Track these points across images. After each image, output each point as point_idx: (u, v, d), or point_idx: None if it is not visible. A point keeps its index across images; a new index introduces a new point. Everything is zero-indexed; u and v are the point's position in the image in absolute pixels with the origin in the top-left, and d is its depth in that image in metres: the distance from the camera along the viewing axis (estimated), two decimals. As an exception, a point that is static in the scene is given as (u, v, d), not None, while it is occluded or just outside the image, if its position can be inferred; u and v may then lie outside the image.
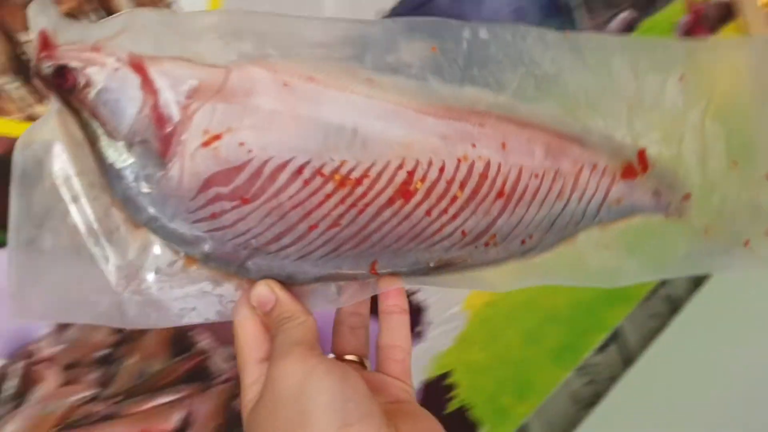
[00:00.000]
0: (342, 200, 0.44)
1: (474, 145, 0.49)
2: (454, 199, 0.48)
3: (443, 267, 0.48)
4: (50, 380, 0.61)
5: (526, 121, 0.51)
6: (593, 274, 0.52)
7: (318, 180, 0.44)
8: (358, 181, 0.45)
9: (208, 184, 0.41)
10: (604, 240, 0.53)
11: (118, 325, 0.40)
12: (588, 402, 0.95)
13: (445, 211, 0.47)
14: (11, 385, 0.60)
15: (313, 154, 0.44)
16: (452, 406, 0.78)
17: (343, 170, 0.44)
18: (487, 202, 0.49)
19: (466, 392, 0.81)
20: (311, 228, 0.44)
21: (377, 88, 0.46)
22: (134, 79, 0.40)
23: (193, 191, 0.41)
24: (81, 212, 0.40)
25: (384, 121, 0.46)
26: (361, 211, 0.45)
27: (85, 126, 0.40)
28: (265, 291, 0.43)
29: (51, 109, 0.40)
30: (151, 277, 0.41)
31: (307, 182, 0.43)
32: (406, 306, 0.47)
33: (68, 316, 0.40)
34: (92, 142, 0.40)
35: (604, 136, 0.53)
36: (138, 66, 0.41)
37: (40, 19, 0.39)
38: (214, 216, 0.42)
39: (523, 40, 0.51)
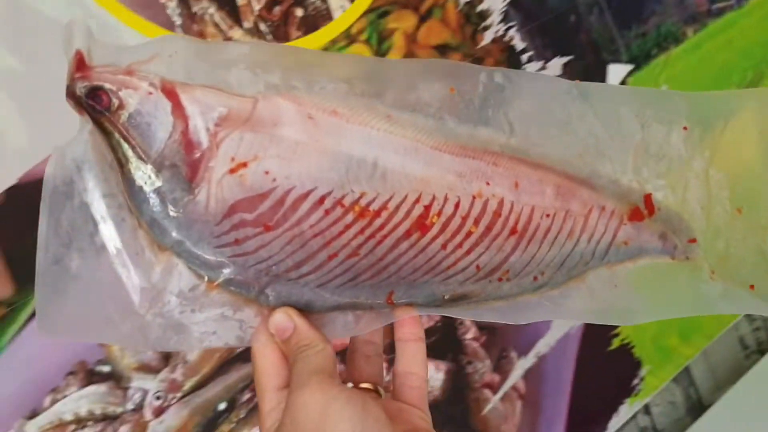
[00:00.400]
0: (361, 231, 0.45)
1: (488, 183, 0.50)
2: (469, 234, 0.49)
3: (457, 300, 0.49)
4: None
5: (537, 163, 0.52)
6: (605, 312, 0.53)
7: (338, 210, 0.45)
8: (377, 213, 0.46)
9: (233, 210, 0.42)
10: (614, 279, 0.54)
11: (141, 347, 0.40)
12: (755, 349, 0.92)
13: (460, 245, 0.48)
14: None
15: (335, 185, 0.45)
16: (615, 343, 0.77)
17: (363, 202, 0.45)
18: (500, 238, 0.50)
19: (629, 330, 0.80)
20: (331, 257, 0.44)
21: (396, 125, 0.47)
22: (166, 105, 0.41)
23: (218, 216, 0.42)
24: (108, 233, 0.40)
25: (403, 156, 0.47)
26: (379, 243, 0.46)
27: (115, 148, 0.41)
28: (283, 318, 0.43)
29: (83, 128, 0.40)
30: (173, 300, 0.42)
31: (328, 212, 0.44)
32: (421, 334, 0.47)
33: (92, 336, 0.40)
34: (122, 164, 0.41)
35: (611, 180, 0.55)
36: (170, 92, 0.42)
37: (75, 40, 0.40)
38: (237, 242, 0.42)
39: (535, 86, 0.53)
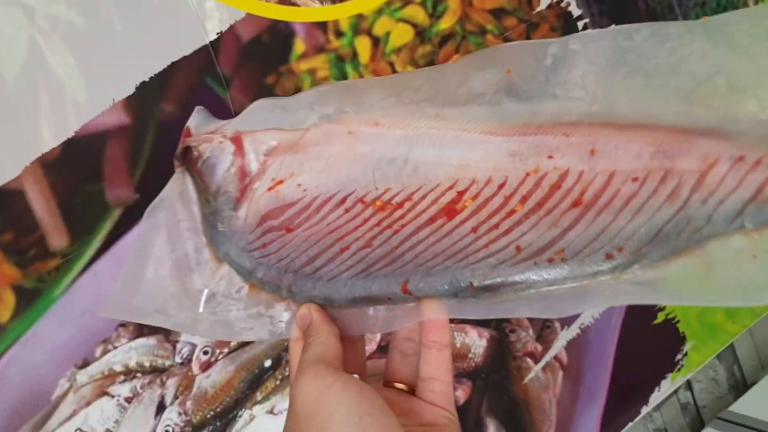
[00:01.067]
0: (378, 223, 0.44)
1: (551, 156, 0.43)
2: (511, 213, 0.42)
3: (490, 288, 0.41)
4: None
5: (629, 124, 0.42)
6: (730, 291, 0.37)
7: (359, 207, 0.45)
8: (399, 205, 0.44)
9: (264, 219, 0.47)
10: (753, 249, 0.37)
11: (189, 333, 0.47)
12: (807, 327, 0.81)
13: (495, 226, 0.42)
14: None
15: (359, 186, 0.46)
16: (660, 318, 0.75)
17: (386, 197, 0.45)
18: (555, 213, 0.41)
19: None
20: (343, 250, 0.44)
21: (442, 120, 0.46)
22: (230, 148, 0.50)
23: (252, 226, 0.47)
24: (179, 250, 0.49)
25: (440, 148, 0.45)
26: (396, 232, 0.44)
27: (196, 187, 0.51)
28: (304, 313, 0.44)
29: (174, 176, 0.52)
30: (224, 301, 0.48)
31: (348, 210, 0.45)
32: (447, 341, 0.41)
33: (149, 319, 0.48)
34: (198, 197, 0.50)
35: (757, 122, 0.40)
36: (236, 138, 0.50)
37: (190, 121, 0.53)
38: (264, 245, 0.47)
39: (628, 39, 0.45)
